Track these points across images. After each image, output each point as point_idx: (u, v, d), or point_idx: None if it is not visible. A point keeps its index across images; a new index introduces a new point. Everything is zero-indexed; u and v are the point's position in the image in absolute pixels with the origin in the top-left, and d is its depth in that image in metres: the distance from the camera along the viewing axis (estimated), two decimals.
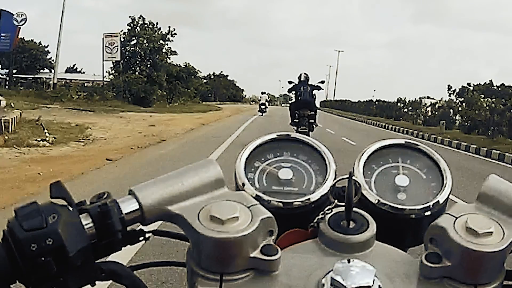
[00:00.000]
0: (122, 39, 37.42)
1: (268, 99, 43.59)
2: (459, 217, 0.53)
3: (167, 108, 32.27)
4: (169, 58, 37.69)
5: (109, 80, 35.55)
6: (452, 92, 34.11)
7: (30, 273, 0.47)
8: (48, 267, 0.47)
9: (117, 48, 34.28)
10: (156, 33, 36.84)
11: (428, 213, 0.65)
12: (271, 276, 0.52)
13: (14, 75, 44.81)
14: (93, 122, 15.80)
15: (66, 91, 29.53)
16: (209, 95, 77.35)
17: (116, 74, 36.81)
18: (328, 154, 0.70)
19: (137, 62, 36.13)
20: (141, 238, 0.54)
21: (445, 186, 0.67)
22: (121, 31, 36.11)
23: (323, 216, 0.59)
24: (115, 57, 34.16)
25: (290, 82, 12.11)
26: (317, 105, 13.40)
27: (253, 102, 74.84)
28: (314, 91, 12.04)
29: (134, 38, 36.31)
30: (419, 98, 41.01)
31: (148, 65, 36.26)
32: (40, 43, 49.38)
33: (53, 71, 35.58)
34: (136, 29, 36.41)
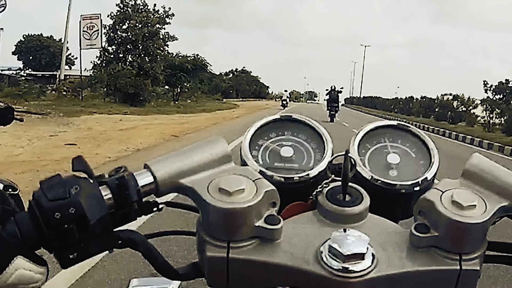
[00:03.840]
0: (112, 22, 31.91)
1: (289, 96, 54.73)
2: (445, 191, 0.58)
3: (166, 108, 28.10)
4: (167, 46, 27.62)
5: (91, 74, 26.03)
6: (488, 88, 30.17)
7: (54, 240, 0.52)
8: (70, 234, 0.52)
9: (98, 34, 25.02)
10: (150, 16, 26.29)
11: (417, 188, 0.71)
12: (274, 244, 0.57)
13: (29, 72, 44.00)
14: None
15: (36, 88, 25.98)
16: (231, 91, 77.39)
17: (104, 65, 31.45)
18: (326, 133, 0.77)
19: (128, 50, 25.87)
20: (154, 209, 0.60)
21: (432, 164, 0.74)
22: (109, 15, 26.19)
23: (321, 190, 0.65)
24: (95, 44, 25.34)
25: (326, 89, 25.74)
26: (342, 101, 28.13)
27: (278, 99, 77.10)
28: (339, 94, 25.66)
29: (125, 22, 25.99)
30: (441, 95, 39.92)
31: (142, 55, 26.03)
32: (60, 39, 46.13)
33: (71, 67, 27.15)
34: (127, 11, 26.00)
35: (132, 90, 27.06)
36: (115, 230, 0.57)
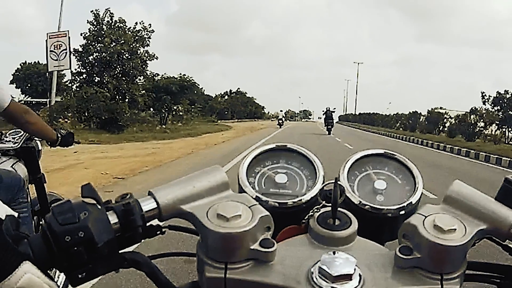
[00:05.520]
0: (84, 42, 27.13)
1: (284, 116, 57.12)
2: (428, 216, 0.62)
3: (145, 133, 23.99)
4: (146, 65, 22.92)
5: (60, 99, 21.85)
6: (486, 100, 26.98)
7: (64, 261, 0.55)
8: (79, 255, 0.55)
9: (66, 53, 20.10)
10: (127, 32, 21.63)
11: (402, 212, 0.75)
12: (268, 265, 0.60)
13: (25, 99, 41.39)
14: None
15: None
16: (226, 112, 75.75)
17: (77, 89, 26.78)
18: (318, 162, 0.81)
19: (103, 71, 21.23)
20: (158, 232, 0.64)
21: (417, 189, 0.77)
22: (82, 34, 22.03)
23: (312, 214, 0.69)
24: (63, 66, 19.71)
25: (323, 111, 32.95)
26: (336, 119, 40.12)
27: (274, 119, 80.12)
28: (333, 113, 33.64)
29: (99, 41, 21.38)
30: (431, 109, 38.62)
31: (120, 76, 21.38)
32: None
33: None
34: (102, 28, 21.36)
35: (106, 115, 23.25)
36: (121, 251, 0.60)
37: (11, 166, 2.91)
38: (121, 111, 24.70)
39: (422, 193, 0.77)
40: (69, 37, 24.71)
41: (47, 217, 0.56)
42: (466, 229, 0.60)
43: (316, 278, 0.57)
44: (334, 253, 0.60)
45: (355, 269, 0.57)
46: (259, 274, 0.59)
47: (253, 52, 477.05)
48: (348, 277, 0.56)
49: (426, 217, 0.61)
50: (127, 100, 26.94)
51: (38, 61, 49.75)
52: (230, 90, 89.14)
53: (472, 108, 28.34)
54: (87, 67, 27.30)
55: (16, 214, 0.60)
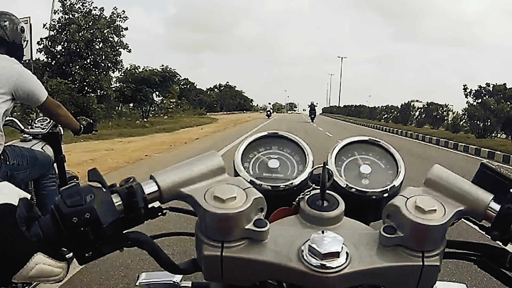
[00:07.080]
0: (53, 32, 22.45)
1: (272, 108, 60.45)
2: (409, 197, 0.65)
3: (114, 130, 19.54)
4: (119, 55, 18.79)
5: None
6: (468, 93, 25.35)
7: (72, 240, 0.58)
8: (86, 235, 0.57)
9: (27, 42, 13.61)
10: (101, 19, 17.16)
11: (386, 194, 0.78)
12: (262, 244, 0.63)
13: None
14: None
15: None
16: (215, 105, 76.77)
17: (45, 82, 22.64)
18: (308, 148, 0.85)
19: (71, 62, 16.81)
20: (159, 214, 0.67)
21: (399, 173, 0.81)
22: (44, 24, 18.83)
23: (303, 196, 0.72)
24: (24, 55, 13.74)
25: (308, 105, 47.77)
26: (318, 111, 74.50)
27: (262, 111, 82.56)
28: (315, 106, 50.39)
29: (67, 29, 17.11)
30: (409, 101, 39.05)
31: (90, 66, 17.07)
32: None
33: None
34: (73, 15, 16.99)
35: (73, 109, 19.39)
36: (124, 232, 0.63)
37: (41, 148, 3.40)
38: (89, 104, 22.15)
39: (404, 176, 0.81)
40: (30, 24, 20.76)
41: (56, 199, 0.59)
42: (446, 210, 0.63)
43: (306, 256, 0.60)
44: (322, 232, 0.62)
45: (342, 247, 0.60)
46: (253, 252, 0.61)
47: (243, 50, 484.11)
48: (336, 255, 0.59)
49: (408, 198, 0.63)
50: (98, 93, 24.07)
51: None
52: (220, 84, 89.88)
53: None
54: (55, 58, 23.91)
55: (28, 196, 0.62)
